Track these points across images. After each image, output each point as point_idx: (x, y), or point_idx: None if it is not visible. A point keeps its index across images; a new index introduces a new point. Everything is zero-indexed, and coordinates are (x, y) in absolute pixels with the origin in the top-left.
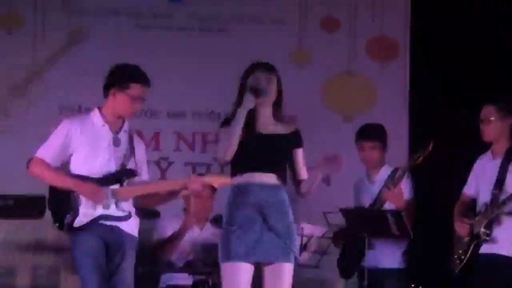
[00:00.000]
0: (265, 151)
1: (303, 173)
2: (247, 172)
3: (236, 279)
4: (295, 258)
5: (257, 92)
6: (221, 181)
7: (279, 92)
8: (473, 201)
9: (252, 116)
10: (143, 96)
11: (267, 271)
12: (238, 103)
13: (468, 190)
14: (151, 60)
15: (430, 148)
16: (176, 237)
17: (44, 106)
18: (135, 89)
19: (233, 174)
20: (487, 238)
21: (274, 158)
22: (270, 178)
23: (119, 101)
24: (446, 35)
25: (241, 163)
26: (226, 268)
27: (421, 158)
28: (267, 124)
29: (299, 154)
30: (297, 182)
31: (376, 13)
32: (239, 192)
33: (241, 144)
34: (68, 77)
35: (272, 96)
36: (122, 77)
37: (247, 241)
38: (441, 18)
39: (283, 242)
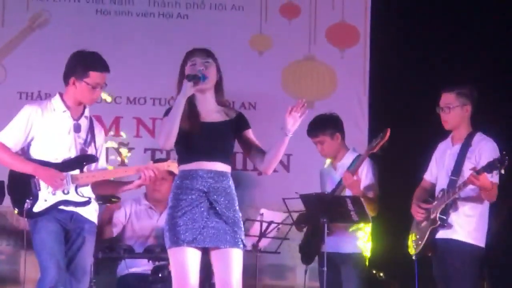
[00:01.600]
0: (209, 140)
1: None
2: (194, 160)
3: (184, 263)
4: (243, 245)
5: (194, 78)
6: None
7: (219, 78)
8: (433, 187)
9: (194, 105)
10: (103, 83)
11: (215, 256)
12: (178, 91)
13: (429, 176)
14: (111, 46)
15: (387, 136)
16: (103, 220)
17: (4, 92)
18: (94, 77)
19: (180, 161)
20: (443, 223)
21: (219, 147)
22: (216, 166)
23: (79, 89)
24: (406, 22)
25: (187, 152)
26: (174, 253)
27: (378, 146)
28: (210, 112)
29: (250, 133)
30: (260, 158)
31: (336, 0)
32: (186, 177)
33: (185, 134)
34: (28, 62)
35: (211, 82)
36: (80, 66)
37: (194, 227)
38: (401, 5)
39: (231, 228)
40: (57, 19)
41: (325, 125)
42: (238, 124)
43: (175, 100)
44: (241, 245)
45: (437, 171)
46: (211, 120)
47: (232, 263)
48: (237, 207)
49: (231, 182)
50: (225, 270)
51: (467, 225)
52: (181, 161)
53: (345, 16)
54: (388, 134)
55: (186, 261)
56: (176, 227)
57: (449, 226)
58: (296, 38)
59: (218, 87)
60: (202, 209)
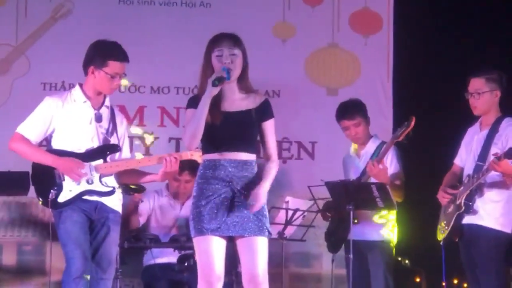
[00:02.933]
0: (233, 131)
1: (269, 148)
2: (217, 150)
3: (209, 252)
4: (269, 233)
5: (220, 82)
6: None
7: (245, 65)
8: (463, 172)
9: (217, 95)
10: (122, 73)
11: (241, 244)
12: (202, 86)
13: (459, 161)
14: (134, 35)
15: (412, 124)
16: (129, 210)
17: (28, 83)
18: (113, 66)
19: (204, 151)
20: (468, 209)
21: (242, 136)
22: (239, 155)
23: (98, 79)
24: (429, 8)
25: (210, 142)
26: (199, 242)
27: (404, 134)
28: (234, 101)
29: (267, 128)
30: (266, 157)
31: None
32: (209, 167)
33: (207, 124)
34: (51, 53)
35: (237, 73)
36: (99, 55)
37: (218, 216)
38: None
39: (255, 217)
40: (79, 10)
41: (361, 108)
42: (261, 113)
43: (202, 88)
44: (266, 233)
45: (466, 156)
46: (234, 109)
47: (257, 251)
48: None
49: (255, 170)
50: (250, 259)
51: (493, 211)
52: (204, 151)
53: (368, 2)
54: (413, 122)
55: (211, 250)
56: (200, 216)
57: (475, 212)
58: (319, 26)
59: (243, 75)
60: (226, 198)
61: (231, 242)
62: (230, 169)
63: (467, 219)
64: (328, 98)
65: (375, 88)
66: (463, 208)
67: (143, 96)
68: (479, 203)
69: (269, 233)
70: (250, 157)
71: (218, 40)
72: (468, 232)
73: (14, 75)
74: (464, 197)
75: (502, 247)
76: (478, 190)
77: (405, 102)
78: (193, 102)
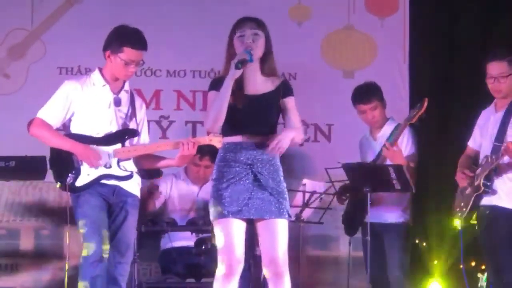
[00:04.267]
0: (254, 113)
1: (296, 121)
2: (238, 134)
3: (230, 235)
4: (289, 215)
5: (243, 64)
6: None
7: (268, 48)
8: (477, 154)
9: (240, 77)
10: (138, 60)
11: (261, 227)
12: (225, 68)
13: (472, 143)
14: (150, 19)
15: (425, 106)
16: (145, 193)
17: (44, 67)
18: (128, 53)
19: (225, 134)
20: (488, 190)
21: (264, 119)
22: (261, 138)
23: (114, 64)
24: None
25: (231, 125)
26: (220, 224)
27: (417, 116)
28: (255, 84)
29: (287, 104)
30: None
31: None
32: (230, 150)
33: (229, 106)
34: (67, 37)
35: (259, 51)
36: (116, 41)
37: (239, 198)
38: None
39: (275, 199)
40: None
41: (377, 91)
42: (281, 92)
43: (226, 70)
44: (287, 216)
45: (481, 138)
46: (255, 92)
47: (278, 234)
48: (282, 178)
49: (275, 153)
50: (271, 241)
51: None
52: (225, 133)
53: None
54: (425, 104)
55: (232, 233)
56: (221, 199)
57: (494, 192)
58: (335, 8)
59: (266, 58)
60: (247, 181)
61: (250, 225)
62: (251, 152)
63: (486, 200)
64: (345, 81)
65: (391, 70)
66: (482, 188)
67: (159, 80)
68: (497, 184)
69: (289, 215)
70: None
71: (240, 22)
72: (487, 213)
73: (30, 60)
74: (482, 178)
75: None
76: (496, 171)
77: (421, 83)
78: (216, 85)
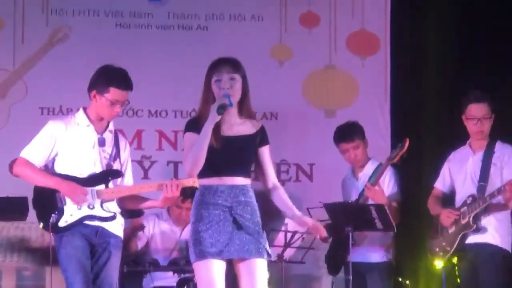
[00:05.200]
0: (231, 155)
1: (270, 174)
2: (215, 175)
3: (211, 276)
4: (268, 255)
5: (223, 109)
6: None
7: (245, 90)
8: (444, 196)
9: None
10: (123, 100)
11: (241, 267)
12: (202, 110)
13: (441, 185)
14: (132, 59)
15: (406, 146)
16: (127, 234)
17: (25, 108)
18: (114, 93)
19: (201, 175)
20: (479, 227)
21: (241, 161)
22: (237, 180)
23: (99, 103)
24: (427, 27)
25: (208, 167)
26: (199, 266)
27: (398, 156)
28: (233, 125)
29: (264, 153)
30: (264, 182)
31: (355, 8)
32: (208, 192)
33: (208, 148)
34: (49, 77)
35: (237, 96)
36: (102, 80)
37: (220, 240)
38: (420, 11)
39: (255, 239)
40: (76, 34)
41: (359, 131)
42: (259, 139)
43: (202, 111)
44: (265, 255)
45: (455, 178)
46: (233, 134)
47: (256, 274)
48: (259, 219)
49: (252, 194)
50: (250, 281)
51: (500, 230)
52: (201, 175)
53: (365, 24)
54: (407, 144)
55: (213, 274)
56: (201, 240)
57: (484, 230)
58: (316, 47)
59: (243, 100)
60: (227, 223)
61: (230, 266)
62: (228, 195)
63: (473, 238)
64: (326, 120)
65: (373, 109)
66: (474, 226)
67: (141, 120)
68: (485, 222)
69: (269, 255)
70: (247, 181)
71: (217, 66)
72: (474, 251)
73: (12, 100)
74: (472, 216)
75: (509, 265)
76: (485, 209)
77: (403, 123)
78: (192, 126)
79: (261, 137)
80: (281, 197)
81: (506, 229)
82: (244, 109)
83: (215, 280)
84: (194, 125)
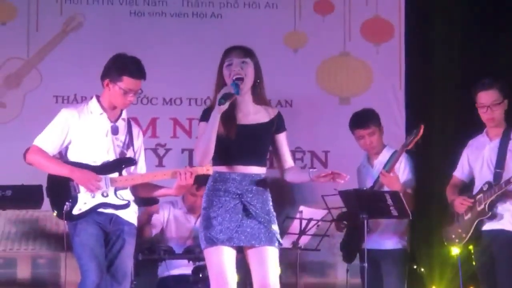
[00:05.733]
0: (245, 144)
1: (287, 159)
2: (228, 164)
3: (221, 263)
4: (279, 243)
5: (227, 99)
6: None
7: (258, 77)
8: (463, 184)
9: (232, 106)
10: (136, 89)
11: (251, 255)
12: (216, 92)
13: (460, 173)
14: (146, 47)
15: (421, 132)
16: (142, 221)
17: (40, 96)
18: (127, 82)
19: (214, 163)
20: (494, 214)
21: (256, 150)
22: (251, 169)
23: (112, 92)
24: (441, 15)
25: (221, 155)
26: (210, 253)
27: (413, 143)
28: (248, 113)
29: (281, 140)
30: (281, 168)
31: None
32: (220, 180)
33: (222, 137)
34: (63, 66)
35: (248, 83)
36: (115, 69)
37: (229, 227)
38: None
39: (265, 227)
40: (90, 22)
41: (375, 117)
42: (275, 125)
43: (212, 106)
44: (277, 243)
45: (473, 166)
46: (247, 122)
47: (268, 262)
48: (271, 207)
49: (265, 182)
50: (261, 269)
51: None
52: (215, 163)
53: (379, 11)
54: (422, 130)
55: (223, 261)
56: (211, 227)
57: (500, 216)
58: (330, 35)
59: (257, 87)
60: (237, 210)
61: (240, 253)
62: (240, 183)
63: (489, 225)
64: (341, 107)
65: (387, 97)
66: (489, 213)
67: (155, 108)
68: (501, 209)
69: (280, 243)
70: (261, 170)
71: (228, 51)
72: (490, 237)
73: (26, 89)
74: (488, 203)
75: None
76: (500, 196)
77: (417, 109)
78: (204, 115)
79: (277, 124)
80: (295, 168)
81: None
82: (258, 96)
83: (225, 266)
84: (207, 114)
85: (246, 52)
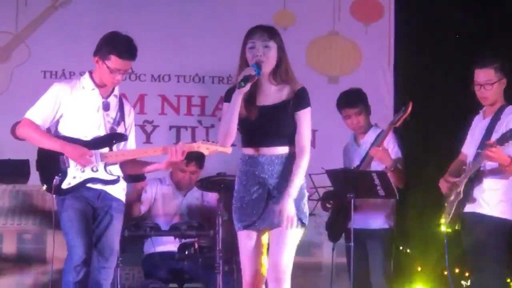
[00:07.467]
0: (266, 125)
1: (298, 141)
2: (253, 145)
3: (244, 247)
4: (302, 224)
5: (247, 81)
6: (212, 149)
7: (281, 58)
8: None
9: (253, 87)
10: (124, 69)
11: (271, 235)
12: (239, 72)
13: (466, 149)
14: (134, 23)
15: (409, 110)
16: (131, 199)
17: (28, 71)
18: (114, 61)
19: (242, 145)
20: (467, 197)
21: (277, 130)
22: (275, 150)
23: (101, 69)
24: None
25: (246, 137)
26: (238, 236)
27: (401, 120)
28: (270, 93)
29: (299, 118)
30: (298, 147)
31: None
32: (246, 162)
33: (242, 119)
34: (51, 41)
35: (270, 66)
36: (105, 47)
37: (253, 211)
38: None
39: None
40: None
41: (362, 97)
42: (295, 102)
43: (235, 85)
44: (299, 225)
45: (470, 144)
46: (269, 102)
47: (284, 241)
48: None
49: (291, 163)
50: (276, 248)
51: (492, 198)
52: (242, 144)
53: None
54: (410, 107)
55: (246, 247)
56: (236, 212)
57: (473, 200)
58: (320, 14)
59: (279, 67)
60: (261, 194)
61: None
62: (265, 165)
63: (468, 207)
64: (329, 86)
65: (376, 77)
66: (462, 195)
67: (143, 84)
68: (477, 191)
69: (302, 224)
70: (286, 150)
71: (252, 32)
72: (468, 220)
73: (14, 63)
74: (463, 185)
75: (503, 233)
76: (476, 178)
77: (406, 90)
78: (228, 96)
79: (295, 102)
80: (293, 168)
81: (502, 197)
82: (279, 76)
83: (247, 251)
84: (229, 95)
85: (270, 34)
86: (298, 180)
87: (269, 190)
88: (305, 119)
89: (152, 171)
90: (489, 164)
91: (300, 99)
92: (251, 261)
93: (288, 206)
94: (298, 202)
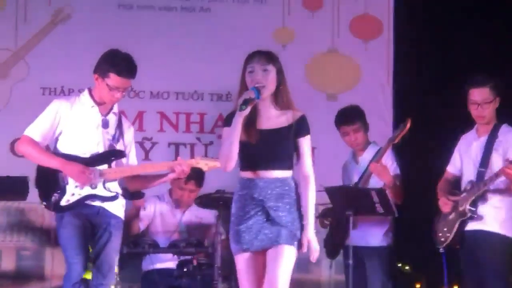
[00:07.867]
0: (266, 149)
1: (302, 165)
2: (252, 169)
3: (242, 271)
4: (298, 244)
5: (247, 104)
6: (211, 165)
7: (280, 82)
8: (456, 179)
9: (253, 111)
10: (123, 87)
11: (268, 253)
12: (239, 97)
13: (452, 168)
14: (133, 40)
15: (408, 127)
16: (130, 216)
17: (27, 87)
18: (114, 79)
19: (241, 168)
20: (473, 215)
21: (277, 155)
22: (274, 173)
23: (101, 87)
24: (429, 13)
25: (245, 160)
26: (236, 260)
27: (399, 136)
28: (270, 118)
29: (300, 144)
30: (302, 174)
31: None
32: (244, 186)
33: (244, 143)
34: (50, 58)
35: (269, 90)
36: (104, 64)
37: (250, 235)
38: None
39: (287, 230)
40: (79, 14)
41: (360, 114)
42: (296, 129)
43: (235, 110)
44: (294, 242)
45: (462, 163)
46: (268, 127)
47: (281, 259)
48: (295, 209)
49: (291, 185)
50: (272, 265)
51: (497, 216)
52: (241, 168)
53: (368, 7)
54: (409, 124)
55: (244, 268)
56: (234, 235)
57: (479, 217)
58: (319, 31)
59: (279, 92)
60: (259, 217)
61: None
62: (263, 189)
63: (471, 226)
64: (328, 104)
65: (375, 93)
66: (468, 214)
67: (142, 101)
68: (482, 209)
69: (300, 245)
70: (285, 174)
71: (250, 57)
72: (472, 238)
73: (13, 80)
74: (468, 203)
75: (507, 251)
76: (482, 196)
77: (405, 107)
78: (228, 120)
79: (297, 128)
80: (301, 190)
81: (506, 216)
82: (280, 100)
83: (245, 273)
84: (229, 120)
85: (268, 58)
86: (312, 209)
87: (267, 212)
88: (307, 146)
89: (155, 185)
90: (493, 183)
91: (302, 125)
92: (251, 284)
93: (314, 238)
94: (298, 220)
